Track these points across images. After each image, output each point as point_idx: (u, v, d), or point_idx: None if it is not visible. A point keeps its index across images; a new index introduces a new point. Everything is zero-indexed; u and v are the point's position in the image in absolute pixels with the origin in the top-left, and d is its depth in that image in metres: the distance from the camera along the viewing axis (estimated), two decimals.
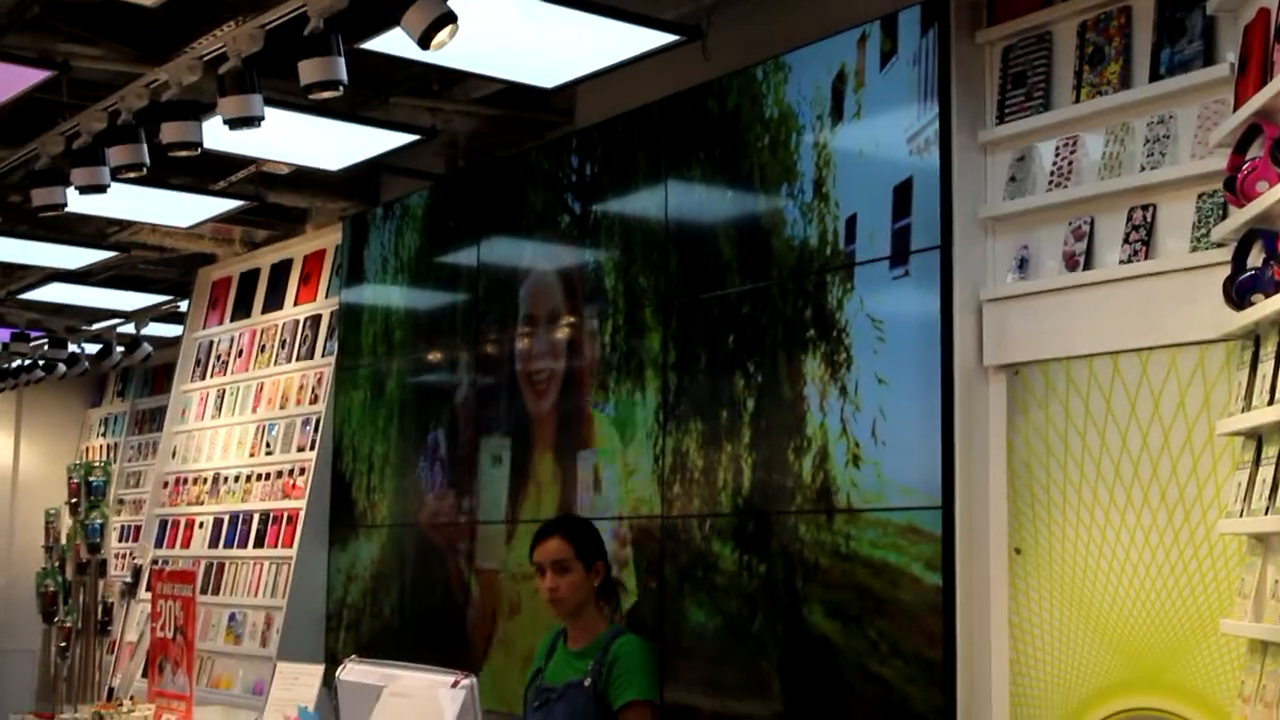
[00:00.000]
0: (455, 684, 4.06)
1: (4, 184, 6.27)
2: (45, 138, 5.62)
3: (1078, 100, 4.17)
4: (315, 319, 7.65)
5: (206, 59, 4.76)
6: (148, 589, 6.94)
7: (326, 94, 4.28)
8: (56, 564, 5.90)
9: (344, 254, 7.32)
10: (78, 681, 5.55)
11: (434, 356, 6.57)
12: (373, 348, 6.99)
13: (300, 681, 4.75)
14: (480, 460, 6.16)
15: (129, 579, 6.57)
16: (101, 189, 5.36)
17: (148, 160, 5.15)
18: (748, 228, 4.97)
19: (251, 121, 4.58)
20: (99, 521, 5.74)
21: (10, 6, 5.14)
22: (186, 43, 5.00)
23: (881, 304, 4.46)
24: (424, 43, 3.92)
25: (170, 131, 4.91)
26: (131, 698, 5.49)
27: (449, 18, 3.89)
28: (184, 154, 5.00)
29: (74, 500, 5.83)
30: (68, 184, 5.56)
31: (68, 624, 5.64)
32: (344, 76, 4.28)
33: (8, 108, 5.61)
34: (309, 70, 4.25)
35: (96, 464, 5.95)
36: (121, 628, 6.75)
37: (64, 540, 5.88)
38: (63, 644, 5.60)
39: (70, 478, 5.94)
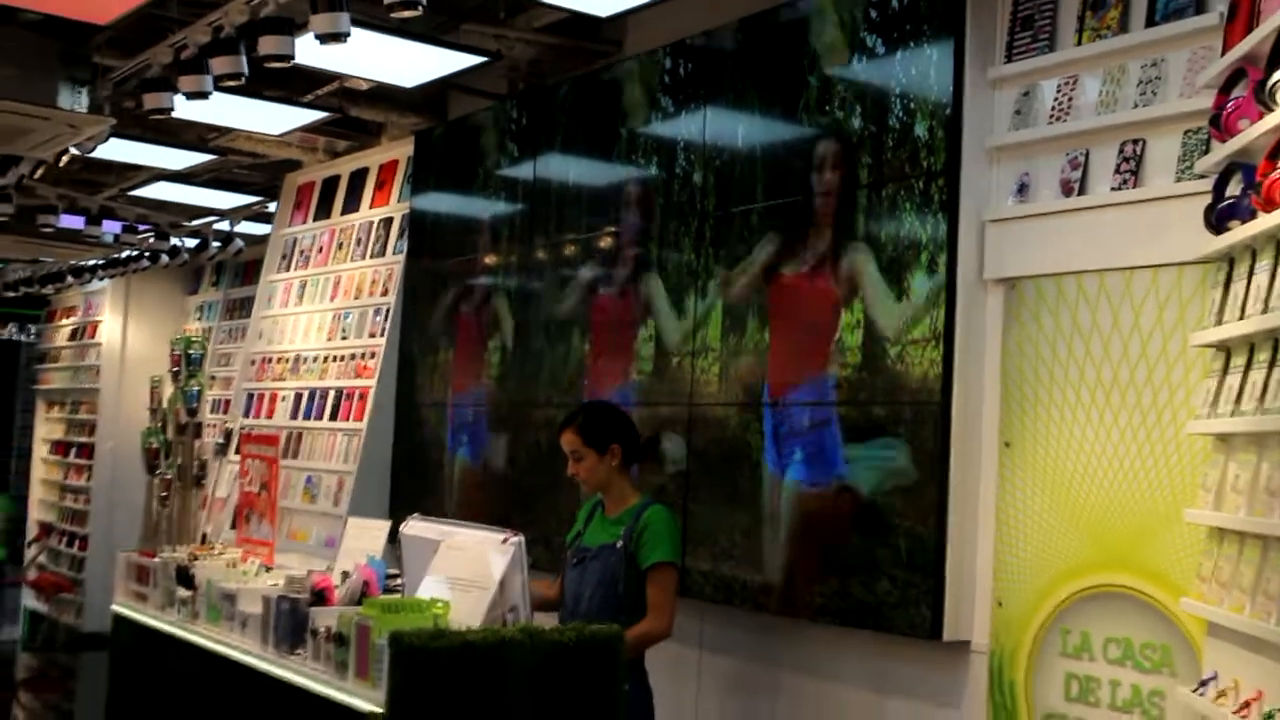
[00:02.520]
0: (505, 541, 4.08)
1: (119, 91, 6.21)
2: (156, 49, 5.55)
3: (1079, 43, 4.08)
4: (388, 221, 7.61)
5: None
6: (236, 451, 6.97)
7: (407, 13, 4.21)
8: (159, 424, 5.92)
9: (415, 164, 7.26)
10: (176, 527, 5.60)
11: (491, 259, 6.52)
12: (438, 249, 6.95)
13: (369, 534, 4.77)
14: (531, 348, 6.13)
15: (221, 440, 6.58)
16: (204, 96, 5.30)
17: (247, 71, 5.09)
18: (779, 148, 4.89)
19: (339, 37, 4.51)
20: (196, 388, 5.75)
21: None
22: None
23: (893, 221, 4.40)
24: None
25: (267, 44, 4.84)
26: (221, 543, 5.52)
27: None
28: (278, 65, 4.93)
29: (175, 369, 5.84)
30: (175, 91, 5.50)
31: (168, 477, 5.67)
32: None
33: (124, 22, 5.54)
34: None
35: (195, 338, 5.94)
36: (214, 483, 6.77)
37: (166, 404, 5.89)
38: (163, 494, 5.64)
39: (173, 349, 5.94)
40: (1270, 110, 3.12)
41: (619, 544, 4.37)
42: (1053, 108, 4.14)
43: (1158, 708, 3.64)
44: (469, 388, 6.57)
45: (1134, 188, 3.86)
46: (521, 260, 6.26)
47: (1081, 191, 4.02)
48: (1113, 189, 3.92)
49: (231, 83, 5.18)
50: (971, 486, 4.18)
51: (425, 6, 4.24)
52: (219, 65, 5.10)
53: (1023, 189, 4.20)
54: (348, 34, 4.52)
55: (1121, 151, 3.92)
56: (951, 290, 4.20)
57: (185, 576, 5.00)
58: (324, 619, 4.07)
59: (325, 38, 4.51)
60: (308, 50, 5.09)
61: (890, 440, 4.32)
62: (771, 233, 4.86)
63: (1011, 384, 4.13)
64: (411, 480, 6.92)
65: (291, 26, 4.86)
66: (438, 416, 6.77)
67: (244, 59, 5.06)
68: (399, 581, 4.45)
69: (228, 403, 9.30)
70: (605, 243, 5.73)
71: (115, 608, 5.61)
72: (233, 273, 11.55)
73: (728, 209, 5.06)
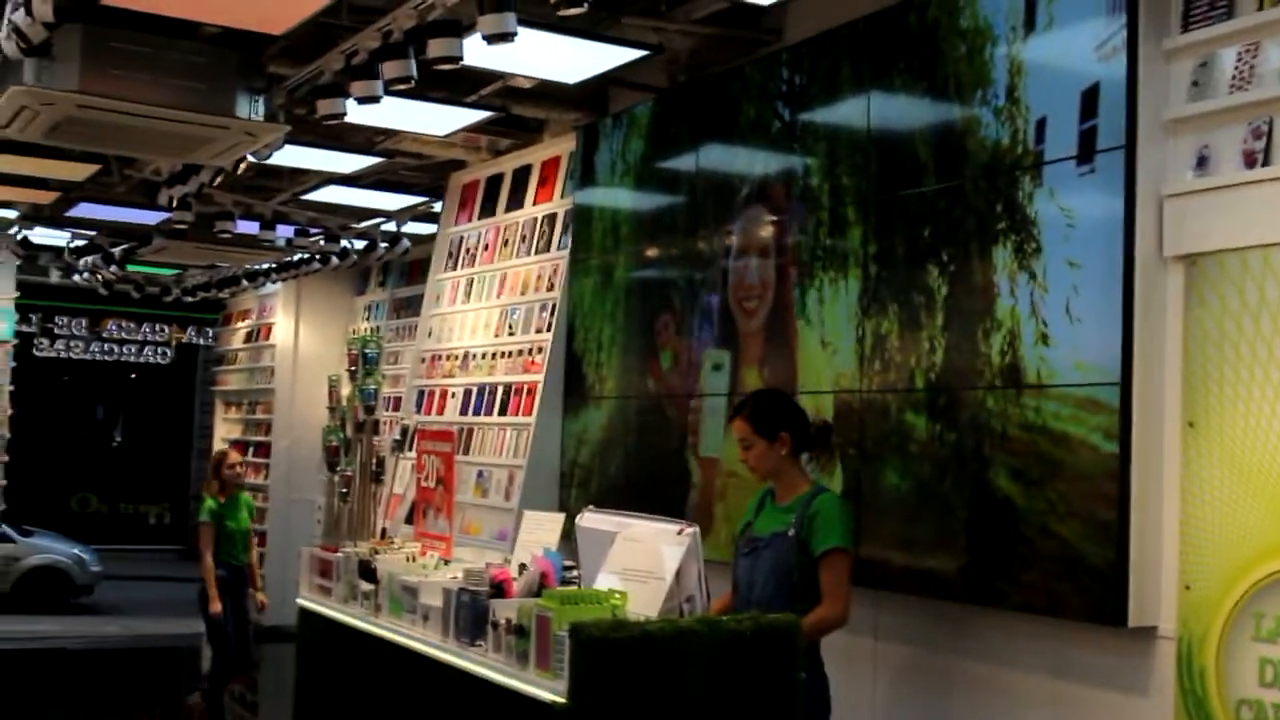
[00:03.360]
0: (681, 532, 4.13)
1: (292, 98, 6.42)
2: (328, 56, 5.73)
3: (1261, 8, 3.96)
4: (551, 217, 7.72)
5: None
6: (411, 448, 7.14)
7: (573, 10, 4.27)
8: (339, 423, 6.09)
9: (577, 160, 7.36)
10: (356, 522, 5.77)
11: (655, 251, 6.58)
12: (602, 243, 7.03)
13: (544, 527, 4.86)
14: (695, 343, 6.18)
15: (398, 437, 6.74)
16: (376, 100, 5.46)
17: (415, 74, 5.22)
18: (944, 131, 4.85)
19: (506, 37, 4.59)
20: (373, 386, 5.91)
21: None
22: None
23: (1068, 199, 4.33)
24: None
25: (436, 47, 4.96)
26: (400, 538, 5.67)
27: None
28: (447, 67, 5.05)
29: (353, 369, 6.00)
30: (347, 96, 5.67)
31: (349, 473, 5.84)
32: None
33: (297, 31, 5.71)
34: None
35: (371, 337, 6.10)
36: (391, 479, 6.94)
37: (344, 402, 6.06)
38: (344, 490, 5.81)
39: (349, 349, 6.11)
40: None
41: (791, 531, 4.39)
42: (1233, 77, 4.03)
43: None
44: (635, 381, 6.64)
45: None
46: (688, 252, 6.30)
47: (1266, 162, 3.90)
48: None
49: (401, 86, 5.31)
50: (1154, 468, 4.10)
51: (589, 2, 4.29)
52: (389, 70, 5.24)
53: (1202, 162, 4.09)
54: (515, 33, 4.60)
55: None
56: (1130, 268, 4.13)
57: (367, 570, 5.16)
58: (504, 611, 4.17)
59: (493, 38, 4.60)
60: (471, 51, 5.19)
61: (1068, 423, 4.26)
62: (941, 214, 4.82)
63: (1194, 363, 4.03)
64: (580, 473, 7.02)
65: (459, 28, 4.97)
66: (607, 410, 6.86)
67: (413, 62, 5.19)
68: (575, 573, 4.53)
69: (398, 400, 9.54)
70: (770, 230, 5.74)
71: (301, 601, 5.80)
72: (398, 272, 11.83)
73: (895, 192, 5.03)
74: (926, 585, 4.79)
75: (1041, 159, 4.43)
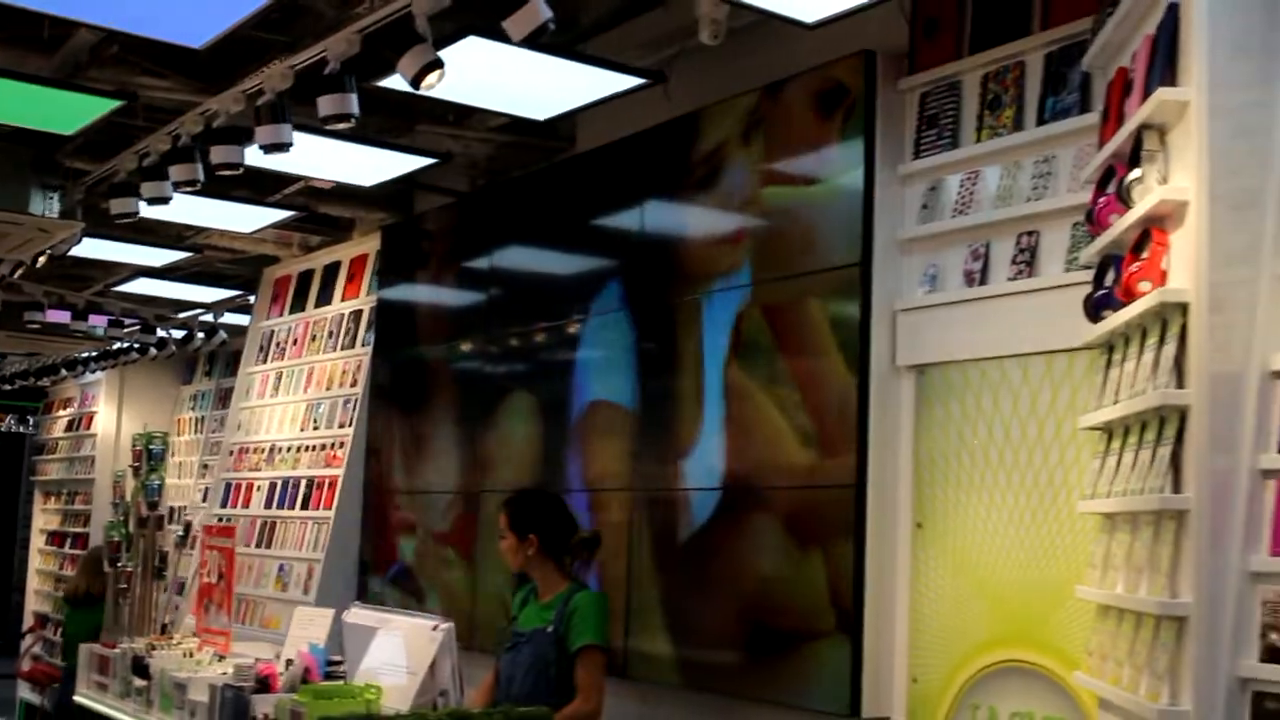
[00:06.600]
0: (435, 628, 4.24)
1: (93, 194, 6.47)
2: (122, 156, 5.81)
3: (979, 140, 4.28)
4: (357, 313, 7.82)
5: (249, 92, 4.92)
6: (192, 546, 7.13)
7: (341, 125, 4.42)
8: (121, 518, 6.09)
9: (381, 259, 7.50)
10: (136, 618, 5.76)
11: (455, 349, 6.72)
12: (403, 340, 7.16)
13: (315, 623, 4.92)
14: (486, 438, 6.31)
15: (181, 533, 6.74)
16: (165, 201, 5.54)
17: (203, 177, 5.32)
18: (710, 240, 5.10)
19: (282, 147, 4.73)
20: (157, 482, 5.93)
21: (94, 44, 5.34)
22: (238, 77, 5.17)
23: (817, 309, 4.59)
24: (415, 83, 4.06)
25: (218, 154, 5.07)
26: (180, 633, 5.68)
27: (437, 64, 4.03)
28: (229, 173, 5.16)
29: (136, 465, 6.03)
30: (139, 195, 5.74)
31: (129, 569, 5.83)
32: (356, 110, 4.41)
33: (94, 128, 5.78)
34: (326, 104, 4.39)
35: (156, 433, 6.14)
36: (174, 574, 6.89)
37: (128, 498, 6.08)
38: (123, 586, 5.80)
39: (134, 445, 6.13)
40: (1129, 207, 3.32)
41: (550, 628, 4.52)
42: (956, 201, 4.34)
43: None
44: (433, 476, 6.73)
45: (1029, 277, 4.05)
46: (484, 349, 6.45)
47: (983, 281, 4.21)
48: (1009, 279, 4.11)
49: (189, 188, 5.41)
50: (887, 566, 4.34)
51: (358, 118, 4.45)
52: (177, 172, 5.33)
53: (932, 279, 4.39)
54: (290, 144, 4.74)
55: (1018, 243, 4.12)
56: (864, 377, 4.39)
57: (140, 666, 5.16)
58: (263, 706, 4.23)
59: (269, 147, 4.73)
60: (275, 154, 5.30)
61: (809, 523, 4.49)
62: (704, 321, 5.05)
63: (923, 467, 4.30)
64: (377, 566, 7.07)
65: (242, 136, 5.09)
66: (402, 504, 6.94)
67: (200, 166, 5.29)
68: (342, 668, 4.60)
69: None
70: (561, 331, 5.93)
71: (78, 698, 5.76)
72: (224, 362, 11.77)
73: (665, 298, 5.26)
74: (686, 678, 4.95)
75: (787, 271, 4.69)
